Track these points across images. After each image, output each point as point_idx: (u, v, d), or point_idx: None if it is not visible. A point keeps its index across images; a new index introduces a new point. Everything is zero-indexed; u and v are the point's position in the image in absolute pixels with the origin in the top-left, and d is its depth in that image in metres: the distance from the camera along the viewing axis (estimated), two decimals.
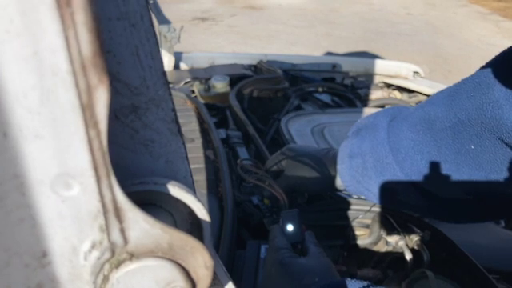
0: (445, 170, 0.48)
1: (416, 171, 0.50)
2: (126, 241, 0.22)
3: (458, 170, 0.47)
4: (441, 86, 1.43)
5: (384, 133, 0.55)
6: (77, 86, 0.18)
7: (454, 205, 0.51)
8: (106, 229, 0.22)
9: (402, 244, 0.62)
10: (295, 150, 0.69)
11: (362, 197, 0.64)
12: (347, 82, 1.56)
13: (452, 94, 0.47)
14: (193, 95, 1.26)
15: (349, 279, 0.40)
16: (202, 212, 0.25)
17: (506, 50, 0.42)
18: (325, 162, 0.64)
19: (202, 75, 1.39)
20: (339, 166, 0.61)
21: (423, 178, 0.50)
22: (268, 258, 0.50)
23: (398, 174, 0.52)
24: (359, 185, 0.58)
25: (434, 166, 0.48)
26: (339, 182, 0.62)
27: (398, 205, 0.59)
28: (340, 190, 0.67)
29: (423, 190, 0.51)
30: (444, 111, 0.47)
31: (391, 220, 0.65)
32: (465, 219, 0.53)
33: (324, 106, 1.33)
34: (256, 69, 1.51)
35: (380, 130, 0.55)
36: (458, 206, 0.51)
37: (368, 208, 0.68)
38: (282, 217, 0.54)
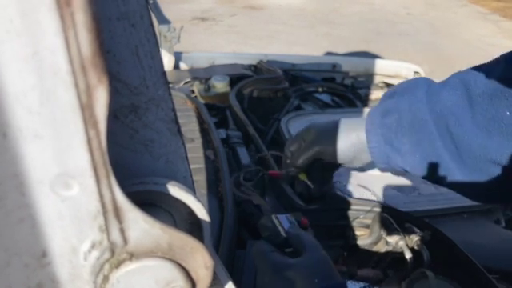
0: (475, 135, 0.47)
1: (447, 132, 0.50)
2: (125, 241, 0.22)
3: (489, 138, 0.46)
4: None
5: (423, 92, 0.54)
6: (76, 86, 0.18)
7: (481, 178, 0.50)
8: (106, 229, 0.22)
9: (402, 244, 0.62)
10: (318, 123, 0.69)
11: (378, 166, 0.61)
12: (347, 82, 1.55)
13: (492, 64, 0.49)
14: (193, 95, 1.26)
15: (347, 281, 0.40)
16: (201, 212, 0.25)
17: None
18: (351, 127, 0.63)
19: (202, 75, 1.39)
20: (369, 127, 0.60)
21: (453, 141, 0.50)
22: (258, 266, 0.47)
23: (432, 132, 0.52)
24: (387, 146, 0.57)
25: (465, 131, 0.48)
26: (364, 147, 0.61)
27: (426, 169, 0.56)
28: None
29: (453, 153, 0.51)
30: (484, 78, 0.47)
31: (391, 220, 0.65)
32: (491, 198, 0.53)
33: (324, 106, 1.33)
34: (256, 69, 1.51)
35: (420, 89, 0.55)
36: (486, 180, 0.50)
37: (368, 208, 0.68)
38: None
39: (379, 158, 0.60)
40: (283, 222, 0.54)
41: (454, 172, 0.52)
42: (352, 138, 0.62)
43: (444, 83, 0.54)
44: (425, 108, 0.53)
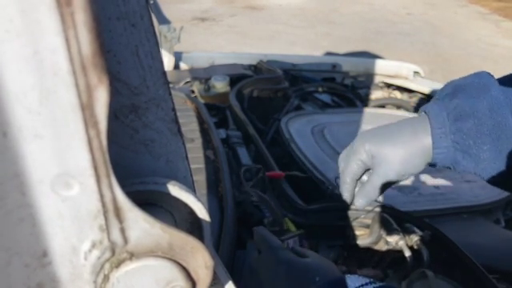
0: None
1: None
2: (126, 240, 0.22)
3: None
4: (441, 87, 1.43)
5: (498, 91, 0.50)
6: (77, 85, 0.18)
7: None
8: (106, 228, 0.22)
9: (401, 244, 0.62)
10: (369, 136, 0.57)
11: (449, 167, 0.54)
12: (347, 81, 1.56)
13: None
14: (193, 95, 1.26)
15: (350, 275, 0.40)
16: (201, 212, 0.25)
17: None
18: (415, 129, 0.55)
19: (202, 75, 1.39)
20: (436, 131, 0.53)
21: None
22: (268, 258, 0.49)
23: None
24: (458, 152, 0.52)
25: None
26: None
27: (504, 177, 0.52)
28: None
29: None
30: None
31: (391, 220, 0.65)
32: None
33: (324, 106, 1.33)
34: (256, 69, 1.51)
35: (493, 87, 0.50)
36: None
37: (368, 208, 0.68)
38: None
39: (443, 163, 0.54)
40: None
41: None
42: (420, 152, 0.55)
43: None
44: (506, 111, 0.48)
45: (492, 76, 0.53)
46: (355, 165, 0.58)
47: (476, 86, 0.53)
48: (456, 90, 0.55)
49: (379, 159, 0.55)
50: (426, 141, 0.54)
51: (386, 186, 0.56)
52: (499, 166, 0.51)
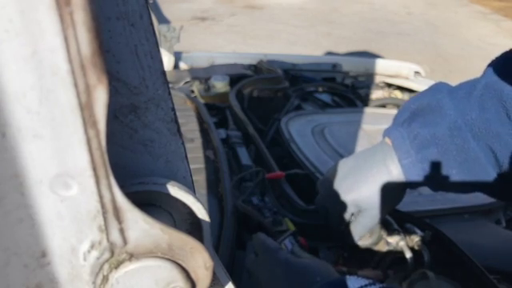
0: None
1: (492, 154, 0.48)
2: (125, 241, 0.22)
3: None
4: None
5: (455, 111, 0.50)
6: (76, 85, 0.18)
7: None
8: (105, 229, 0.22)
9: (402, 244, 0.62)
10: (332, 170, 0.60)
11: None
12: (348, 81, 1.55)
13: None
14: (192, 95, 1.26)
15: (350, 277, 0.40)
16: (201, 212, 0.25)
17: None
18: (386, 164, 0.56)
19: (202, 75, 1.39)
20: (405, 161, 0.54)
21: (497, 160, 0.48)
22: (266, 259, 0.49)
23: (480, 158, 0.49)
24: (429, 178, 0.53)
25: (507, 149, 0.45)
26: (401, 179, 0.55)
27: (473, 188, 0.53)
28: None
29: (496, 168, 0.48)
30: None
31: (392, 220, 0.65)
32: None
33: (324, 106, 1.33)
34: (256, 69, 1.51)
35: (448, 106, 0.50)
36: None
37: None
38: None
39: (419, 185, 0.56)
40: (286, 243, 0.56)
41: (496, 180, 0.49)
42: (396, 183, 0.56)
43: (469, 94, 0.49)
44: (466, 134, 0.49)
45: (446, 91, 0.53)
46: (347, 216, 0.61)
47: (432, 109, 0.53)
48: (413, 114, 0.55)
49: (364, 206, 0.58)
50: (398, 171, 0.55)
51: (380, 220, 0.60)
52: (468, 181, 0.52)
